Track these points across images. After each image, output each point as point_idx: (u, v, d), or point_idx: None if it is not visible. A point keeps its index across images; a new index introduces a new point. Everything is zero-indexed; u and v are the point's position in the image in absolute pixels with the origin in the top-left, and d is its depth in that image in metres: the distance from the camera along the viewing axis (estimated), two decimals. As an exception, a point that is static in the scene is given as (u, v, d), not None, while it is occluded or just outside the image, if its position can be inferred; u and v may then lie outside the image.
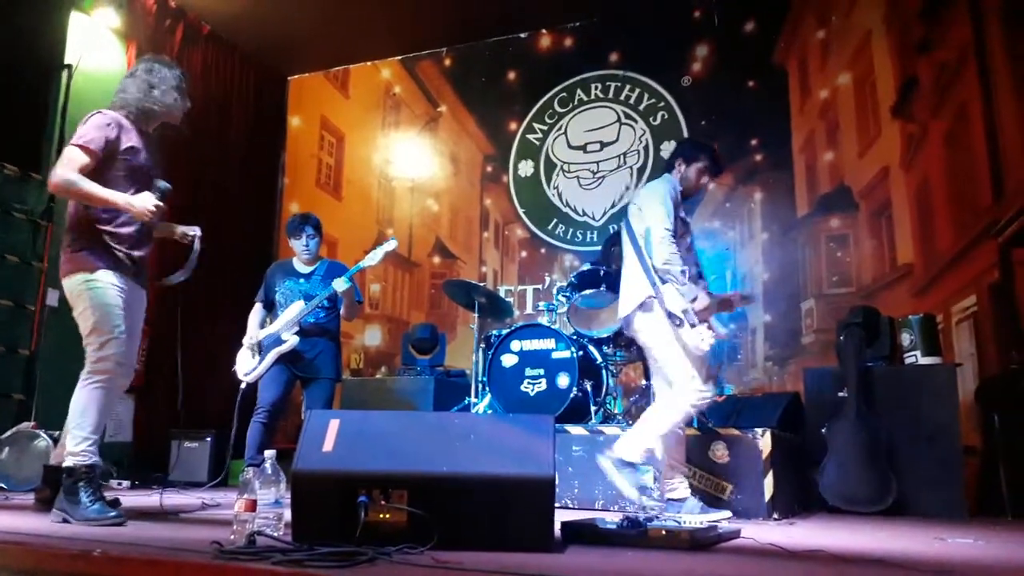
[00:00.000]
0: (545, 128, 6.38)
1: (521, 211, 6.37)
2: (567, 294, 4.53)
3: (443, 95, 6.81)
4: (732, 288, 5.31)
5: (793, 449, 4.01)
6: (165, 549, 1.90)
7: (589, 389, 4.23)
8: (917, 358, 4.22)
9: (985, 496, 4.14)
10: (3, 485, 3.95)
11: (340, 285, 4.01)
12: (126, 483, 4.65)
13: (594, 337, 4.44)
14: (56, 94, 5.11)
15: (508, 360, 4.43)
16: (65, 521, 2.58)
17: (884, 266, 5.17)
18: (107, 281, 2.77)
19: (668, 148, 5.91)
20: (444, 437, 2.20)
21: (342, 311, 4.22)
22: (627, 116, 6.13)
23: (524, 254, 6.31)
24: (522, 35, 6.52)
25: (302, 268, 4.27)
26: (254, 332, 4.19)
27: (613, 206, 6.03)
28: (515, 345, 4.43)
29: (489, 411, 4.42)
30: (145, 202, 2.78)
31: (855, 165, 5.39)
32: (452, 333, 6.15)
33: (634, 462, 3.08)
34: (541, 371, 4.32)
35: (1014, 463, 3.92)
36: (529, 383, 4.34)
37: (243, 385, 4.11)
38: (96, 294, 2.76)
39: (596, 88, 6.26)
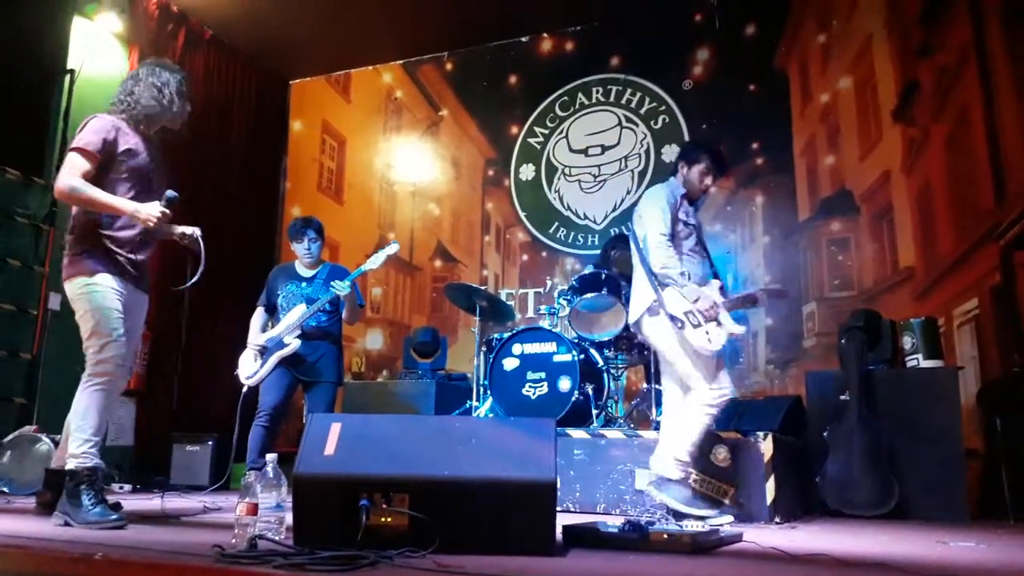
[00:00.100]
0: (546, 132, 6.39)
1: (522, 215, 6.37)
2: (568, 297, 4.53)
3: (444, 99, 6.83)
4: (735, 289, 5.31)
5: (795, 453, 4.01)
6: (166, 553, 1.90)
7: (590, 392, 4.23)
8: (919, 361, 4.22)
9: (987, 500, 4.13)
10: (5, 489, 3.95)
11: (341, 288, 4.01)
12: (127, 487, 4.65)
13: (595, 340, 4.44)
14: (58, 98, 5.12)
15: (509, 364, 4.43)
16: (67, 524, 2.58)
17: (885, 269, 5.17)
18: (106, 285, 2.79)
19: (669, 151, 5.93)
20: (445, 441, 2.21)
21: (344, 315, 4.22)
22: (628, 120, 6.13)
23: (525, 257, 6.31)
24: (523, 39, 6.53)
25: (304, 272, 4.28)
26: (256, 336, 4.19)
27: (614, 209, 6.03)
28: (516, 348, 4.43)
29: (490, 415, 4.42)
30: (151, 210, 2.79)
31: (856, 169, 5.39)
32: (453, 337, 6.15)
33: (673, 478, 3.10)
34: (542, 374, 4.32)
35: (1016, 466, 3.91)
36: (530, 387, 4.34)
37: (245, 389, 4.11)
38: (95, 298, 2.77)
39: (597, 92, 6.27)
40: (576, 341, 4.39)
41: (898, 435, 3.97)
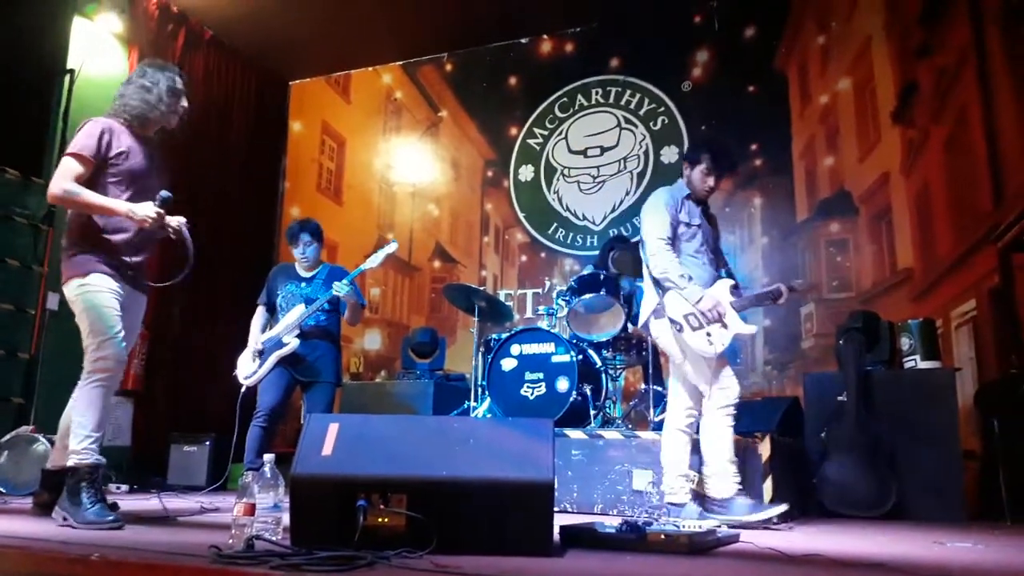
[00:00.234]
0: (546, 133, 6.39)
1: (521, 215, 6.37)
2: (567, 298, 4.53)
3: (444, 100, 6.83)
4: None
5: (793, 453, 4.01)
6: (163, 553, 1.90)
7: (588, 393, 4.23)
8: (917, 362, 4.22)
9: (984, 500, 4.14)
10: (2, 489, 3.95)
11: (340, 288, 4.01)
12: (124, 487, 4.65)
13: (594, 341, 4.44)
14: (58, 99, 5.12)
15: (508, 364, 4.43)
16: (66, 521, 2.59)
17: (884, 271, 5.17)
18: (101, 284, 2.80)
19: (668, 153, 5.94)
20: (443, 441, 2.21)
21: (346, 315, 4.22)
22: (627, 121, 6.14)
23: (524, 258, 6.32)
24: (523, 40, 6.53)
25: (304, 272, 4.28)
26: (256, 336, 4.19)
27: (613, 210, 6.03)
28: (515, 349, 4.43)
29: (488, 415, 4.42)
30: (146, 211, 2.80)
31: (855, 170, 5.40)
32: (452, 337, 6.15)
33: (730, 496, 3.12)
34: (541, 375, 4.32)
35: (1013, 467, 3.91)
36: (528, 387, 4.34)
37: (243, 389, 4.11)
38: (90, 297, 2.79)
39: (597, 93, 6.27)
40: (574, 342, 4.39)
41: (896, 436, 3.97)
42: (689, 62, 5.93)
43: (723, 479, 3.19)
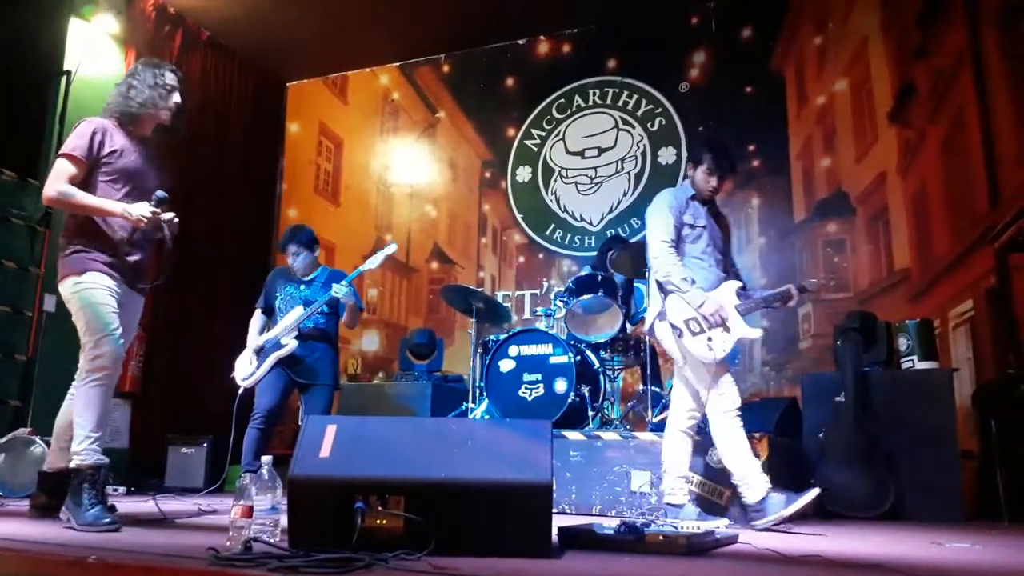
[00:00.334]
0: (543, 134, 6.39)
1: (519, 216, 6.37)
2: (565, 299, 4.53)
3: (441, 101, 6.83)
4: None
5: (790, 454, 4.01)
6: (161, 555, 1.89)
7: (587, 394, 4.23)
8: (914, 363, 4.23)
9: (982, 501, 4.14)
10: (-1, 491, 3.94)
11: (339, 290, 4.01)
12: (122, 489, 4.64)
13: (592, 342, 4.44)
14: (55, 100, 5.11)
15: (506, 365, 4.43)
16: (68, 522, 2.60)
17: (881, 271, 5.18)
18: (97, 282, 2.80)
19: (665, 154, 5.95)
20: (441, 443, 2.20)
21: (344, 318, 4.23)
22: (625, 122, 6.14)
23: (522, 259, 6.32)
24: (520, 41, 6.53)
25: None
26: (255, 338, 4.19)
27: (611, 211, 6.04)
28: (513, 350, 4.43)
29: (486, 416, 4.42)
30: (141, 211, 2.80)
31: (852, 171, 5.41)
32: (450, 338, 6.15)
33: (764, 496, 3.09)
34: (539, 376, 4.32)
35: (1011, 468, 3.92)
36: (527, 388, 4.34)
37: (240, 390, 4.11)
38: (86, 295, 2.78)
39: (594, 94, 6.27)
40: (572, 343, 4.39)
41: (894, 436, 3.98)
42: (686, 63, 5.94)
43: (752, 482, 3.13)
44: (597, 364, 4.39)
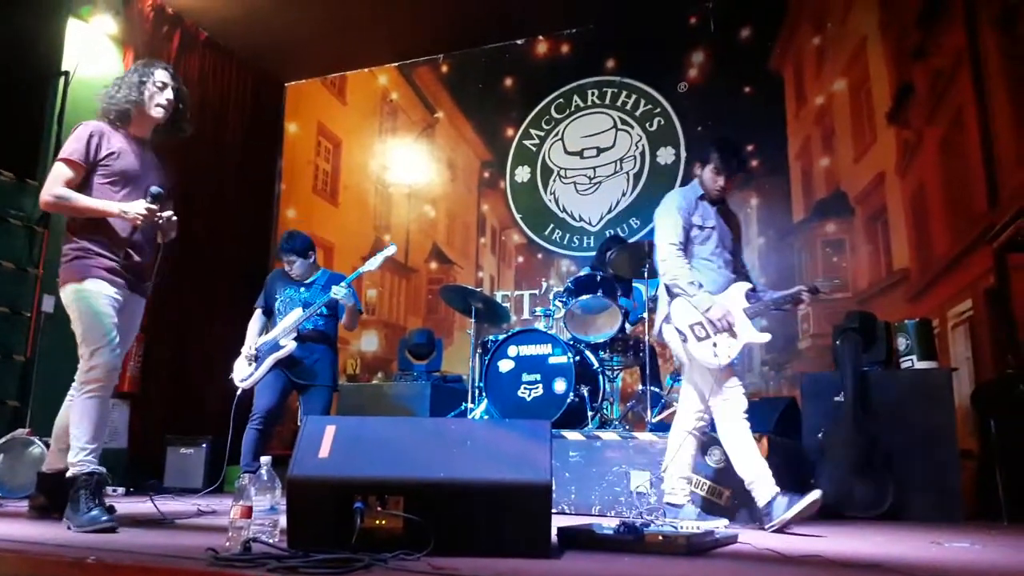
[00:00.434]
0: (542, 134, 6.39)
1: (518, 216, 6.37)
2: (564, 299, 4.53)
3: (440, 101, 6.83)
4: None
5: (790, 454, 4.01)
6: (160, 556, 1.89)
7: (586, 394, 4.23)
8: (913, 362, 4.23)
9: (982, 500, 4.15)
10: (-2, 492, 3.94)
11: (339, 292, 4.01)
12: (121, 489, 4.64)
13: (591, 342, 4.44)
14: (53, 100, 5.11)
15: (505, 365, 4.43)
16: (69, 529, 2.60)
17: (880, 271, 5.18)
18: (96, 290, 2.79)
19: (664, 154, 5.95)
20: (441, 443, 2.20)
21: (344, 320, 4.23)
22: (623, 122, 6.14)
23: (521, 259, 6.32)
24: (519, 41, 6.53)
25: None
26: (253, 340, 4.18)
27: (610, 211, 6.03)
28: (512, 350, 4.43)
29: (486, 416, 4.42)
30: (137, 208, 2.80)
31: (851, 171, 5.41)
32: (449, 338, 6.14)
33: (775, 493, 3.08)
34: (538, 376, 4.32)
35: (1010, 467, 3.92)
36: (526, 388, 4.34)
37: (239, 391, 4.10)
38: (84, 303, 2.78)
39: (593, 94, 6.27)
40: (571, 343, 4.39)
41: (893, 436, 3.98)
42: (685, 63, 5.94)
43: (761, 484, 3.11)
44: (596, 364, 4.39)
